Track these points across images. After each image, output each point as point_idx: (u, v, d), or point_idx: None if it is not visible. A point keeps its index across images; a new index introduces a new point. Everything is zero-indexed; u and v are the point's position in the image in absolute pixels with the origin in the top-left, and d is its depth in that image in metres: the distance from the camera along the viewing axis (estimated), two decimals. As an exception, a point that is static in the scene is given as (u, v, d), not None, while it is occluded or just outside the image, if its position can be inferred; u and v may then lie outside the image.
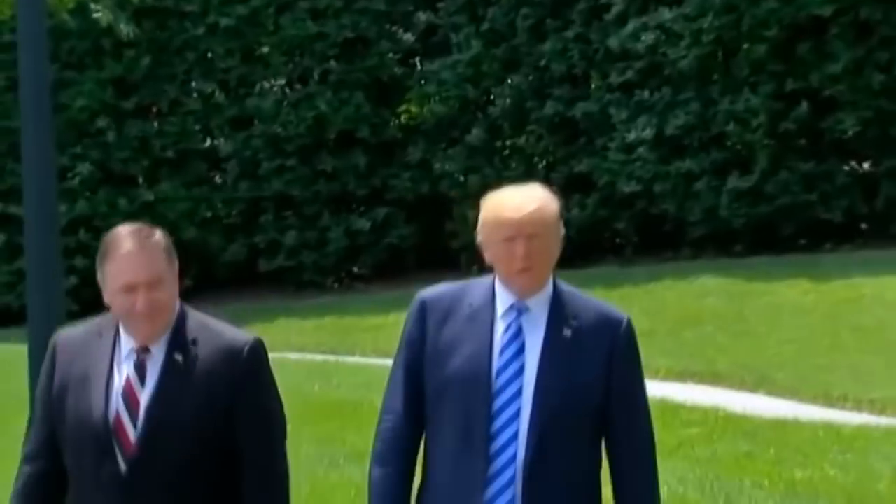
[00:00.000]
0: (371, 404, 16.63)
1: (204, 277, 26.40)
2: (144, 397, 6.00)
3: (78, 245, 24.36)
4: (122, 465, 5.94)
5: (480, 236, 6.31)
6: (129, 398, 6.00)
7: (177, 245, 23.44)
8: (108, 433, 5.96)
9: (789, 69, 24.44)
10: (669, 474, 11.79)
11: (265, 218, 26.65)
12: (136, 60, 26.03)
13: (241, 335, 6.27)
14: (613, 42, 25.18)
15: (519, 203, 6.20)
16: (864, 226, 24.51)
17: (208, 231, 26.62)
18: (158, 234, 6.23)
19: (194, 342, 6.12)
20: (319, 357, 21.23)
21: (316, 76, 26.69)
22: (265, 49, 26.72)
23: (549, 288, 6.25)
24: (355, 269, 26.53)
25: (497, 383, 6.09)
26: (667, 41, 24.81)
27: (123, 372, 6.06)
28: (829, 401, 16.84)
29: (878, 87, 24.11)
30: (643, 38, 24.92)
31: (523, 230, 6.13)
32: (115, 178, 26.27)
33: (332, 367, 20.38)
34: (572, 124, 25.42)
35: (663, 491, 6.42)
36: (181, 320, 6.18)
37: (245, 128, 26.68)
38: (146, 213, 26.06)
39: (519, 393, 6.07)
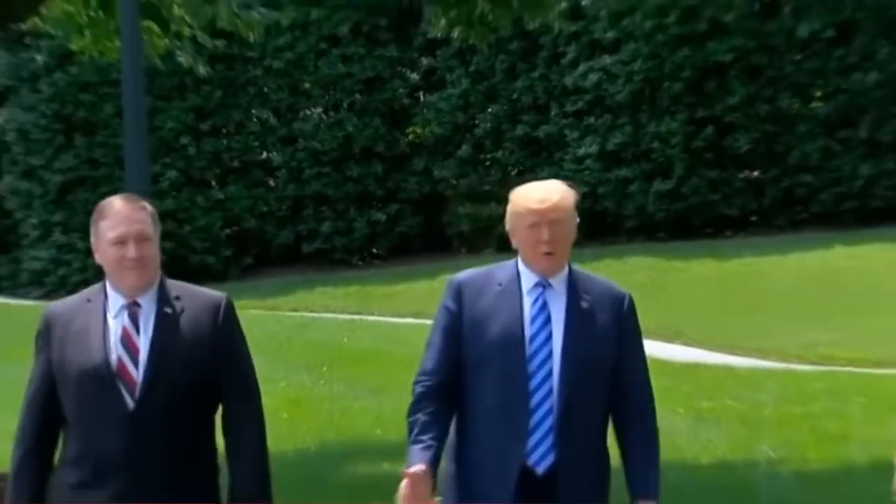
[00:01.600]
0: (387, 352, 16.67)
1: (261, 257, 26.41)
2: (143, 343, 5.70)
3: (165, 233, 24.35)
4: (129, 402, 5.63)
5: (509, 224, 5.96)
6: (129, 345, 5.70)
7: (240, 233, 23.39)
8: (112, 376, 5.64)
9: (699, 101, 24.42)
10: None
11: (307, 212, 26.56)
12: (210, 93, 25.95)
13: (216, 293, 6.00)
14: (568, 80, 25.13)
15: (543, 195, 5.89)
16: (754, 219, 24.46)
17: (264, 222, 26.53)
18: (146, 203, 5.98)
19: (178, 298, 5.82)
20: (347, 316, 21.16)
21: (345, 105, 26.59)
22: (307, 85, 26.61)
23: (566, 268, 5.96)
24: (374, 251, 26.42)
25: (531, 348, 5.79)
26: (607, 80, 24.79)
27: (118, 324, 5.73)
28: (727, 349, 16.83)
29: (765, 115, 24.13)
30: (590, 77, 24.89)
31: (546, 217, 5.81)
32: (194, 182, 26.19)
33: (356, 325, 20.31)
34: (537, 142, 25.34)
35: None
36: (162, 282, 5.85)
37: (292, 144, 26.58)
38: (218, 208, 26.07)
39: (549, 355, 5.80)
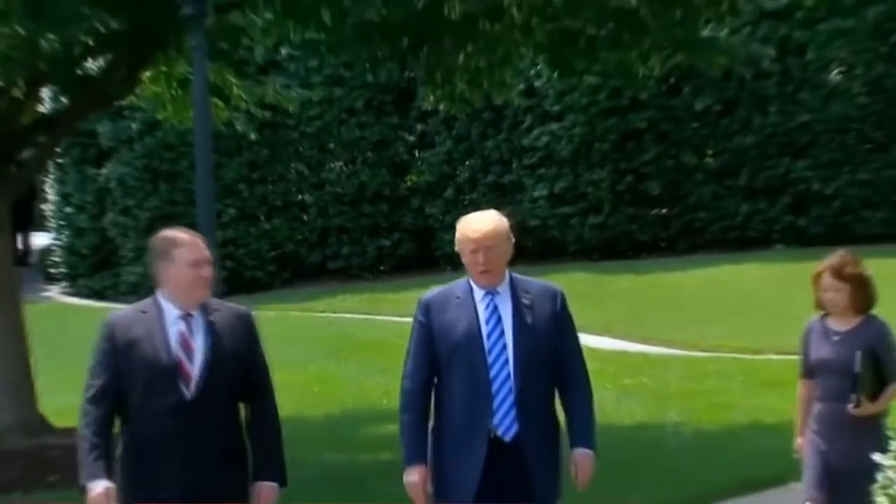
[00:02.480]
0: (390, 343, 16.69)
1: (297, 272, 26.31)
2: (198, 345, 5.61)
3: (226, 254, 24.26)
4: (187, 394, 5.54)
5: (456, 248, 5.98)
6: (186, 347, 5.61)
7: (281, 255, 23.17)
8: (173, 372, 5.55)
9: (622, 157, 24.41)
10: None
11: (331, 239, 26.42)
12: (259, 152, 25.85)
13: (241, 307, 5.96)
14: (525, 141, 25.09)
15: (478, 226, 5.90)
16: (663, 244, 24.42)
17: (299, 246, 26.42)
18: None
19: (216, 310, 5.73)
20: (360, 316, 21.16)
21: (360, 160, 26.49)
22: (331, 145, 26.50)
23: (507, 276, 5.88)
24: (381, 268, 26.30)
25: (488, 343, 5.73)
26: (554, 141, 24.76)
27: (175, 330, 5.63)
28: (644, 340, 16.83)
29: (671, 168, 24.16)
30: (541, 139, 24.86)
31: (482, 244, 5.80)
32: (248, 217, 26.07)
33: (368, 322, 20.30)
34: (503, 187, 25.25)
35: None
36: None
37: (320, 189, 26.46)
38: (265, 237, 25.97)
39: (504, 348, 5.73)
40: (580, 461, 5.80)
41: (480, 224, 5.89)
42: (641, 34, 11.94)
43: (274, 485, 5.71)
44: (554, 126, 24.69)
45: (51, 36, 10.22)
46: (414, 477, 5.76)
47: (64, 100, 14.58)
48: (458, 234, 5.94)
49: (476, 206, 24.50)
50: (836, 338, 6.72)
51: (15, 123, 12.93)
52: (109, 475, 5.54)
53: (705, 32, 12.77)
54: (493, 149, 25.53)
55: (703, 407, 12.57)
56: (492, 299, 5.82)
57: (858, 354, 6.52)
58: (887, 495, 5.12)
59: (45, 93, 15.03)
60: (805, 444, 6.92)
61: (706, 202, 24.02)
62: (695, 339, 16.36)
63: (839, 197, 23.15)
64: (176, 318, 5.66)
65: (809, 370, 6.86)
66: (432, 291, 6.00)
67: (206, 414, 5.56)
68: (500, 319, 5.78)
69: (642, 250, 24.17)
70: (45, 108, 15.39)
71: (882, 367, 6.65)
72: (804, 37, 23.00)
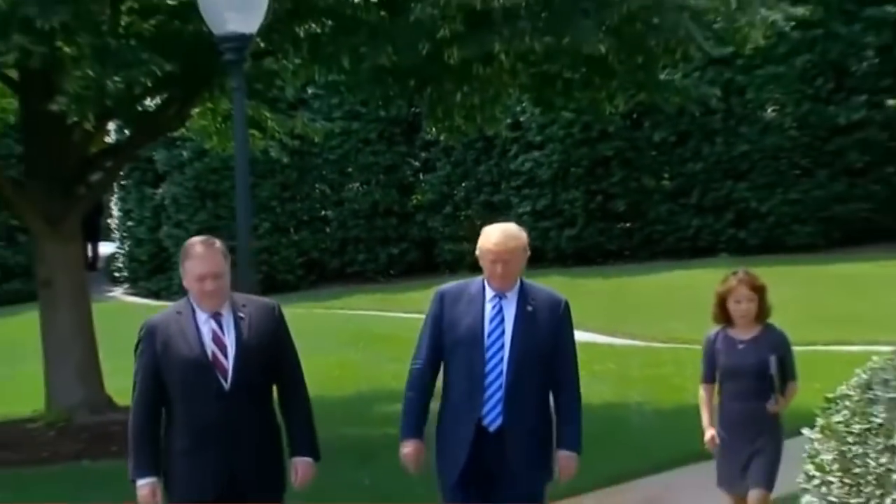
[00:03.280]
0: (399, 336, 16.66)
1: (321, 276, 26.25)
2: (230, 341, 5.28)
3: (261, 261, 24.19)
4: (224, 384, 5.23)
5: (477, 253, 5.62)
6: (218, 343, 5.28)
7: (308, 261, 22.93)
8: (209, 365, 5.23)
9: (593, 180, 24.40)
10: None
11: (350, 248, 26.35)
12: (290, 174, 25.78)
13: (268, 299, 5.61)
14: (512, 166, 25.06)
15: (499, 239, 5.55)
16: (627, 253, 24.39)
17: (323, 254, 26.34)
18: (219, 242, 5.44)
19: (244, 306, 5.38)
20: (374, 313, 21.08)
21: (374, 182, 26.43)
22: (350, 169, 26.42)
23: (518, 283, 5.56)
24: (391, 272, 26.27)
25: (488, 342, 5.44)
26: (536, 167, 24.74)
27: (207, 328, 5.29)
28: (612, 333, 16.81)
29: (634, 189, 24.14)
30: (525, 165, 24.84)
31: (501, 257, 5.48)
32: (280, 230, 25.98)
33: (380, 318, 20.24)
34: (494, 205, 25.10)
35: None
36: (232, 296, 5.40)
37: (340, 206, 26.41)
38: (294, 246, 25.93)
39: (501, 347, 5.45)
40: (563, 462, 5.60)
41: (501, 238, 5.55)
42: (609, 77, 11.99)
43: (309, 459, 5.45)
44: (536, 153, 24.65)
45: (116, 78, 10.32)
46: (407, 449, 5.57)
47: (126, 132, 14.65)
48: (480, 243, 5.60)
49: (472, 222, 24.32)
50: (741, 346, 6.59)
51: (85, 151, 13.04)
52: (156, 469, 5.31)
53: (663, 76, 12.78)
54: (485, 172, 25.46)
55: (660, 389, 12.54)
56: (499, 301, 5.52)
57: (773, 359, 6.48)
58: (814, 463, 5.10)
59: (111, 126, 15.03)
60: (714, 442, 6.81)
61: (663, 217, 23.98)
62: (654, 333, 16.34)
63: (773, 214, 23.25)
64: (207, 317, 5.34)
65: (714, 376, 6.73)
66: (449, 284, 5.72)
67: (244, 401, 5.26)
68: (503, 320, 5.50)
69: (610, 258, 24.13)
70: (110, 138, 15.39)
71: (785, 368, 6.60)
72: (744, 80, 23.17)
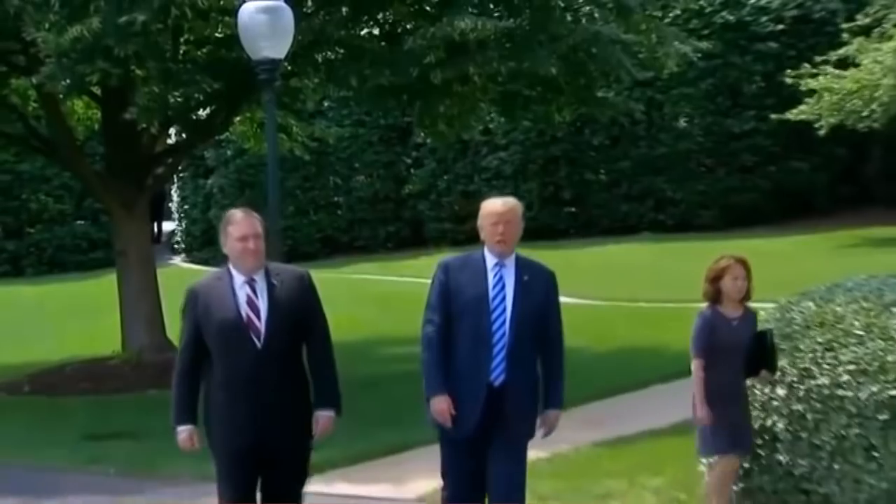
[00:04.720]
0: (394, 294, 16.66)
1: (333, 248, 26.16)
2: (263, 305, 4.73)
3: (287, 236, 23.78)
4: (258, 344, 4.70)
5: (479, 223, 5.06)
6: (252, 306, 4.73)
7: (323, 237, 22.66)
8: (244, 327, 4.70)
9: (547, 174, 24.35)
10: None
11: (357, 226, 26.22)
12: (310, 169, 25.45)
13: (299, 268, 5.04)
14: (483, 163, 24.92)
15: (503, 204, 5.08)
16: (572, 231, 24.36)
17: (336, 231, 26.22)
18: (256, 213, 4.93)
19: (277, 274, 4.82)
20: (377, 277, 20.88)
21: (375, 175, 26.27)
22: (357, 165, 26.15)
23: (514, 254, 5.10)
24: (388, 245, 26.15)
25: (492, 306, 4.92)
26: (502, 163, 24.63)
27: (243, 293, 4.75)
28: (562, 294, 16.71)
29: (577, 182, 24.08)
30: (494, 163, 24.73)
31: (504, 217, 4.99)
32: (302, 212, 25.74)
33: (382, 282, 20.09)
34: (469, 193, 24.68)
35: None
36: (266, 265, 4.85)
37: (349, 194, 26.17)
38: (313, 225, 25.79)
39: (504, 311, 4.93)
40: (552, 418, 5.09)
41: (503, 203, 5.08)
42: (558, 94, 12.12)
43: (331, 413, 4.86)
44: (502, 154, 24.56)
45: (176, 94, 10.54)
46: (443, 405, 4.87)
47: (184, 135, 14.57)
48: (482, 211, 5.05)
49: (451, 208, 24.08)
50: (735, 323, 5.64)
51: (151, 150, 13.17)
52: (194, 417, 4.83)
53: (600, 94, 12.91)
54: (462, 168, 25.34)
55: (601, 335, 12.56)
56: (500, 269, 5.02)
57: (769, 333, 5.64)
58: (781, 415, 4.97)
59: (172, 131, 14.97)
60: (710, 419, 5.55)
61: (600, 203, 23.96)
62: (595, 293, 16.30)
63: (684, 201, 23.35)
64: (242, 283, 4.78)
65: (712, 350, 5.57)
66: (451, 256, 5.18)
67: (276, 359, 4.73)
68: (504, 287, 4.99)
69: (559, 237, 24.09)
70: (171, 140, 15.31)
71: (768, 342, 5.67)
72: (662, 98, 23.22)
